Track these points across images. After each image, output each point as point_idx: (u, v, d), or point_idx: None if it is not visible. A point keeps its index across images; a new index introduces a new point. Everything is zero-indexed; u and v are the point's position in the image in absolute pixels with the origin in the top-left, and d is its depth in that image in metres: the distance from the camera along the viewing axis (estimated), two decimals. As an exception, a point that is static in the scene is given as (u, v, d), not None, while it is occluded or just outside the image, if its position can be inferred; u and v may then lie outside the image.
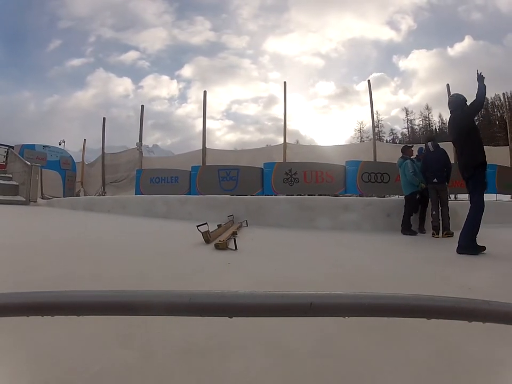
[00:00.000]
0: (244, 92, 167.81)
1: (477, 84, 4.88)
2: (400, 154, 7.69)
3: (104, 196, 14.01)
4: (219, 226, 6.04)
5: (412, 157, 7.57)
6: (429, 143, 7.12)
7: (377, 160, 11.64)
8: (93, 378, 1.33)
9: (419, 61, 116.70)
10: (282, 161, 12.06)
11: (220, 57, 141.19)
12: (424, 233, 7.13)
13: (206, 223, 5.10)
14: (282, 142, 12.99)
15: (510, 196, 13.03)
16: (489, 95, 74.01)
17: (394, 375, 1.40)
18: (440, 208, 6.81)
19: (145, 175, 12.83)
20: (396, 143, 77.20)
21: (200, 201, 9.36)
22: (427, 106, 79.38)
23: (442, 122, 76.23)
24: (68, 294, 0.53)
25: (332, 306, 0.52)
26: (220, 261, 3.79)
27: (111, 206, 10.38)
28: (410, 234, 6.98)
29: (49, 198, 14.85)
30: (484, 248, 4.74)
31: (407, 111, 79.62)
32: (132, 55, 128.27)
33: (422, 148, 7.66)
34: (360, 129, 73.21)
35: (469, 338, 1.65)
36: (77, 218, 8.95)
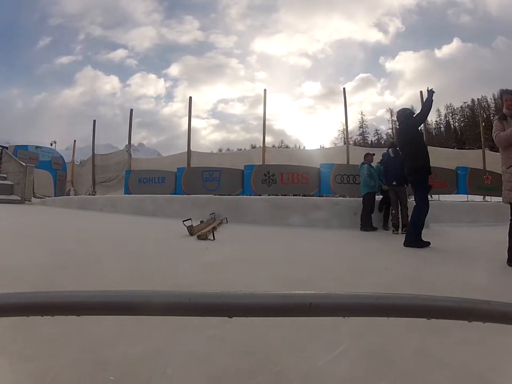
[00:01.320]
0: (230, 91, 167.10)
1: (428, 97, 5.21)
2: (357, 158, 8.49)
3: (94, 195, 14.28)
4: (201, 222, 6.58)
5: (372, 163, 8.05)
6: (390, 150, 7.63)
7: (350, 163, 11.96)
8: (93, 378, 1.33)
9: (406, 62, 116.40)
10: (261, 163, 12.44)
11: (207, 56, 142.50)
12: (387, 230, 7.57)
13: (190, 219, 5.83)
14: (263, 145, 13.40)
15: (482, 197, 13.28)
16: (476, 96, 73.43)
17: (395, 375, 1.40)
18: (399, 207, 7.25)
19: (133, 175, 13.29)
20: (381, 143, 77.38)
21: (185, 200, 9.84)
22: (412, 107, 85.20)
23: (427, 123, 79.06)
24: (68, 294, 0.53)
25: (332, 306, 0.51)
26: (200, 247, 4.73)
27: (103, 204, 10.85)
28: (371, 230, 7.44)
29: (41, 197, 15.03)
30: (428, 243, 5.21)
31: (391, 111, 78.47)
32: (120, 53, 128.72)
33: (385, 153, 7.99)
34: (344, 130, 75.80)
35: (469, 338, 1.65)
36: (73, 215, 9.43)
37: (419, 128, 6.04)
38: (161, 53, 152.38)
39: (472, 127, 68.39)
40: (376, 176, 7.84)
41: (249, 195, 11.50)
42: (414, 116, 5.64)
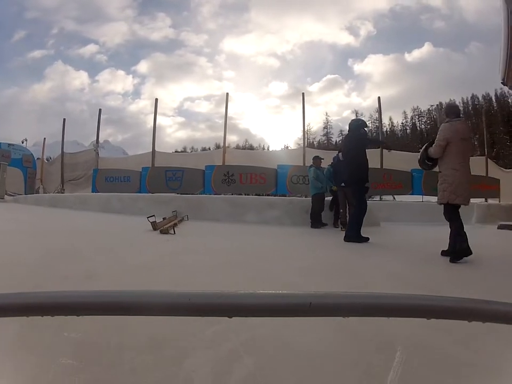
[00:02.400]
0: (198, 90, 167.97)
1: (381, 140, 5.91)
2: (328, 159, 8.62)
3: (63, 193, 14.31)
4: (164, 218, 7.02)
5: (320, 166, 8.40)
6: (339, 154, 7.79)
7: (306, 165, 12.00)
8: (93, 378, 1.35)
9: (375, 65, 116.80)
10: (221, 164, 12.78)
11: (176, 54, 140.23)
12: (337, 227, 7.85)
13: (153, 216, 6.19)
14: (223, 147, 13.74)
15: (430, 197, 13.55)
16: (445, 100, 73.70)
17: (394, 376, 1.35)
18: (347, 207, 7.44)
19: (101, 174, 13.46)
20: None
21: (150, 198, 10.15)
22: (377, 109, 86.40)
23: (393, 125, 77.51)
24: (67, 294, 0.53)
25: (332, 306, 0.52)
26: (162, 239, 5.29)
27: (72, 202, 11.04)
28: (321, 227, 7.78)
29: (12, 195, 15.02)
30: (367, 238, 5.56)
31: (357, 113, 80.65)
32: (91, 48, 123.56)
33: (336, 156, 8.22)
34: (307, 131, 75.51)
35: (469, 338, 1.68)
36: (47, 213, 9.58)
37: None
38: (132, 49, 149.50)
39: (438, 130, 73.13)
40: (323, 178, 8.17)
41: (210, 194, 11.84)
42: (365, 130, 6.02)
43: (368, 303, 0.52)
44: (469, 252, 4.06)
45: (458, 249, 4.15)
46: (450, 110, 4.60)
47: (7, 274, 2.90)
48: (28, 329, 1.61)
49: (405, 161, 12.21)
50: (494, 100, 68.20)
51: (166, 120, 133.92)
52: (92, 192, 13.13)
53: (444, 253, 4.37)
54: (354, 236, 5.57)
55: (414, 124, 79.16)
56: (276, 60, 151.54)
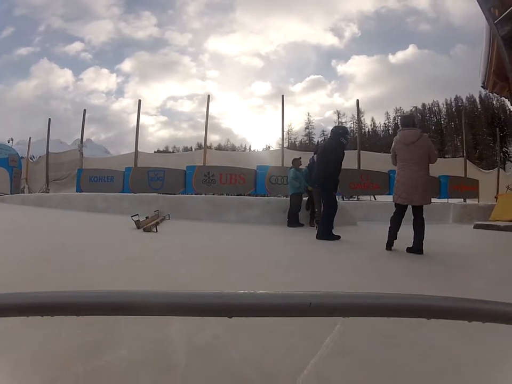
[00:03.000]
0: (181, 89, 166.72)
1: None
2: (305, 161, 8.72)
3: (48, 192, 14.32)
4: (147, 217, 7.18)
5: (300, 166, 8.52)
6: (315, 155, 7.87)
7: (284, 166, 12.48)
8: (93, 378, 1.37)
9: (358, 66, 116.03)
10: (202, 164, 12.99)
11: (161, 53, 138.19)
12: (313, 226, 7.88)
13: (137, 214, 6.47)
14: (204, 147, 13.95)
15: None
16: (428, 101, 73.37)
17: (394, 376, 1.44)
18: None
19: (85, 174, 13.57)
20: None
21: (133, 198, 10.20)
22: (360, 110, 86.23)
23: (375, 126, 77.97)
24: (67, 294, 0.53)
25: (332, 307, 0.52)
26: (145, 237, 5.58)
27: (58, 202, 11.06)
28: (297, 226, 7.92)
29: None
30: (338, 236, 5.71)
31: (339, 113, 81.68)
32: (76, 46, 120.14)
33: (312, 157, 8.33)
34: (289, 131, 73.44)
35: (469, 338, 1.69)
36: (36, 212, 9.68)
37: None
38: (116, 47, 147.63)
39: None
40: (302, 178, 8.26)
41: (191, 194, 12.00)
42: (346, 139, 6.05)
43: (368, 303, 0.52)
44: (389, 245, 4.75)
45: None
46: (400, 121, 5.23)
47: (13, 266, 3.32)
48: (28, 329, 1.62)
49: (383, 162, 12.31)
50: (478, 102, 68.81)
51: (148, 119, 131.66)
52: (77, 191, 13.18)
53: (409, 250, 4.64)
54: (325, 234, 5.72)
55: (396, 125, 75.64)
56: (259, 60, 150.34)
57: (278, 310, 0.53)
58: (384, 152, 15.24)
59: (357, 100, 14.81)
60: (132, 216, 6.44)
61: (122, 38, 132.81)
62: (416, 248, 4.59)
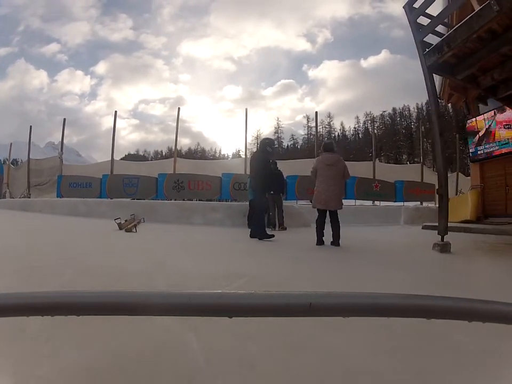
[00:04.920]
0: (153, 92, 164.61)
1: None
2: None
3: (29, 197, 14.61)
4: (126, 220, 7.55)
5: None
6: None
7: (247, 173, 12.38)
8: (92, 378, 1.36)
9: (329, 71, 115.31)
10: (172, 172, 13.55)
11: (135, 56, 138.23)
12: (269, 228, 8.17)
13: (119, 218, 7.02)
14: (174, 156, 14.42)
15: (371, 201, 14.16)
16: (399, 105, 72.66)
17: (394, 375, 1.44)
18: (276, 211, 8.33)
19: (65, 180, 13.87)
20: (297, 147, 74.94)
21: (111, 203, 10.61)
22: (329, 115, 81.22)
23: (344, 130, 78.06)
24: (67, 294, 0.54)
25: (332, 307, 0.52)
26: (127, 236, 6.13)
27: (42, 206, 11.41)
28: None
29: None
30: (272, 235, 6.17)
31: (308, 118, 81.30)
32: (52, 47, 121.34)
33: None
34: (257, 136, 72.56)
35: (469, 338, 1.67)
36: (22, 217, 10.01)
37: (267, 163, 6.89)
38: (92, 49, 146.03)
39: (390, 135, 70.18)
40: None
41: (162, 199, 12.45)
42: (271, 148, 6.77)
43: (368, 303, 0.52)
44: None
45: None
46: (323, 147, 6.00)
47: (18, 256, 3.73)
48: (28, 329, 1.62)
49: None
50: (449, 106, 72.17)
51: (120, 123, 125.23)
52: (57, 197, 13.42)
53: (332, 243, 5.45)
54: (258, 233, 6.23)
55: (366, 129, 78.27)
56: (231, 64, 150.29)
57: (278, 310, 0.53)
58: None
59: (316, 112, 15.29)
60: (115, 219, 7.04)
61: (98, 40, 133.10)
62: (335, 242, 5.43)
